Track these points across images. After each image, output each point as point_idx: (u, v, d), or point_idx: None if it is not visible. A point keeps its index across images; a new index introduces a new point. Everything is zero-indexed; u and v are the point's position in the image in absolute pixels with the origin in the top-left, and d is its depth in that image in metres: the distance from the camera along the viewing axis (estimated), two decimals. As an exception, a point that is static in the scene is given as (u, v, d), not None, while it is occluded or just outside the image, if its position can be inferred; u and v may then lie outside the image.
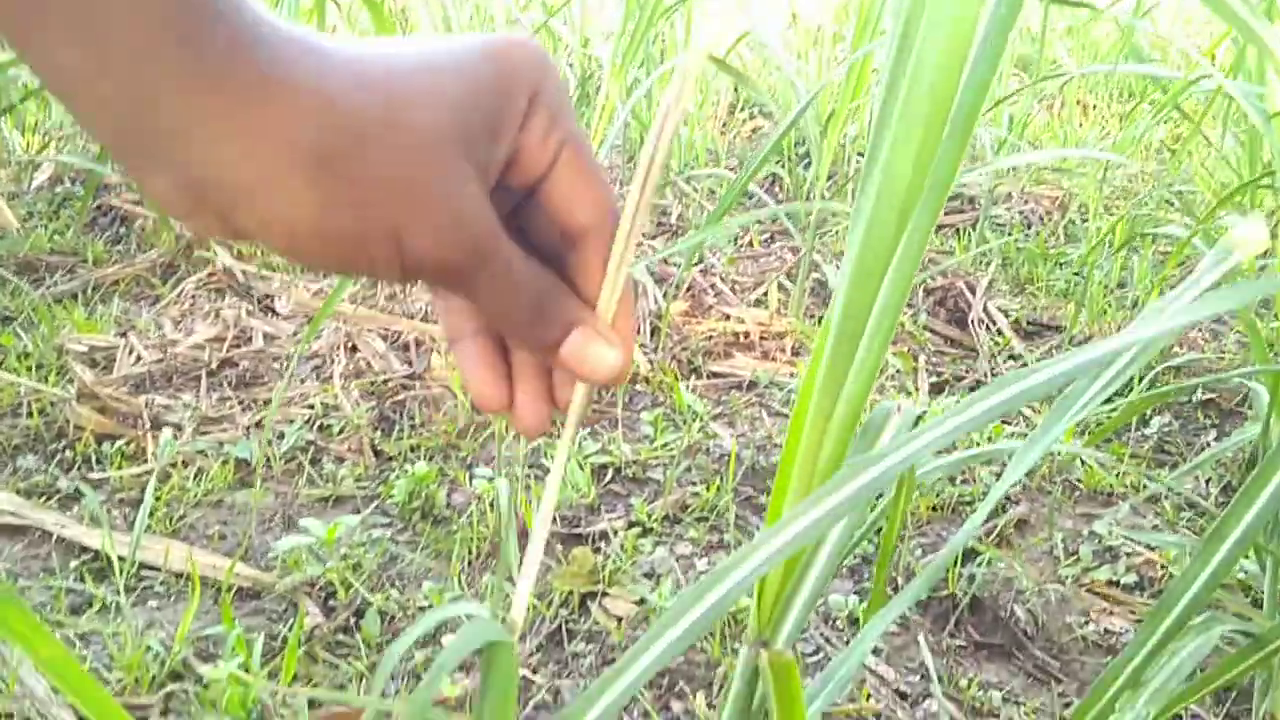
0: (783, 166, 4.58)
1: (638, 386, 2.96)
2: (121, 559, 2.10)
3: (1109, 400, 2.84)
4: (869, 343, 0.89)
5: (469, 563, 2.21)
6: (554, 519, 2.36)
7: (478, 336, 0.62)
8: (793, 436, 0.96)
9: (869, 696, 1.79)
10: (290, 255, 0.52)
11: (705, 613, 0.77)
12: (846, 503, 0.76)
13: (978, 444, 2.67)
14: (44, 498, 2.33)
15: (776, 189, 4.64)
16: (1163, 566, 2.20)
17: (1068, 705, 1.84)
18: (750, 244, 4.04)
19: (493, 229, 0.55)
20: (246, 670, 1.74)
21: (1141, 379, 3.01)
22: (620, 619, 2.01)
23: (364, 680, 1.86)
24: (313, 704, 1.77)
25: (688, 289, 3.46)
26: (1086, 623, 2.06)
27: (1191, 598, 1.27)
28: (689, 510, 2.41)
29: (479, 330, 0.62)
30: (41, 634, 0.62)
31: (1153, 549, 2.24)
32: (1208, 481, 2.60)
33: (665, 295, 3.33)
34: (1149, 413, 2.93)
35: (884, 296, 0.88)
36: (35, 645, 0.62)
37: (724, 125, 5.44)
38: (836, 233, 4.09)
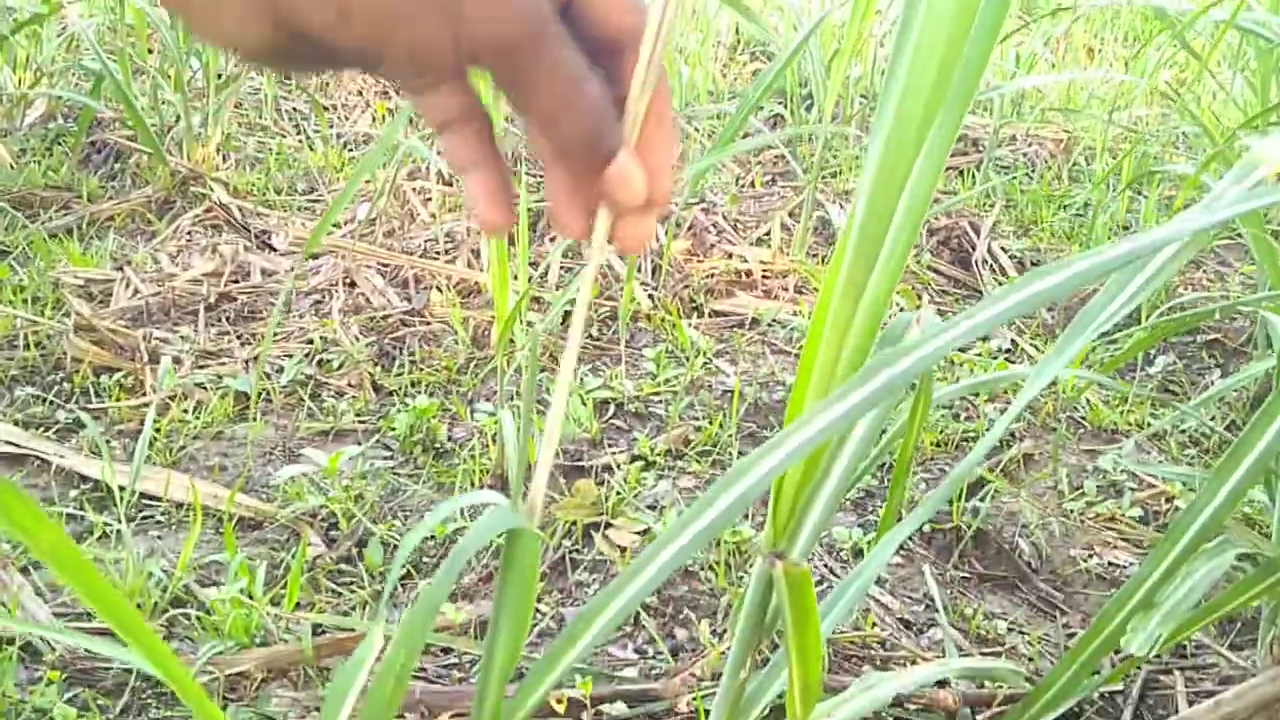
0: (786, 108, 4.53)
1: (639, 324, 2.94)
2: (121, 489, 2.09)
3: (1113, 340, 2.81)
4: (893, 242, 0.86)
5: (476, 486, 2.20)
6: (556, 452, 2.35)
7: (487, 164, 0.59)
8: (811, 344, 0.94)
9: (873, 624, 1.79)
10: (338, 33, 0.49)
11: (730, 505, 0.75)
12: (873, 397, 0.73)
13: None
14: (41, 428, 2.31)
15: (779, 130, 4.59)
16: (1168, 500, 2.19)
17: (1071, 636, 1.84)
18: (752, 184, 4.00)
19: (548, 6, 0.53)
20: (249, 596, 1.73)
21: (1145, 319, 2.99)
22: (624, 549, 2.00)
23: (367, 608, 1.85)
24: (316, 630, 1.77)
25: (689, 228, 3.42)
26: (1090, 556, 2.06)
27: (1206, 521, 1.26)
28: (692, 445, 2.40)
29: (489, 156, 0.59)
30: (43, 522, 0.60)
31: (1163, 481, 2.23)
32: (1212, 419, 2.59)
33: (667, 233, 3.30)
34: (1153, 352, 2.92)
35: (909, 193, 0.86)
36: (36, 533, 0.59)
37: (724, 67, 5.36)
38: (839, 173, 4.04)
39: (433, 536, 2.04)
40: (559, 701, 1.51)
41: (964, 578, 1.99)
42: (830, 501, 0.97)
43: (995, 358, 2.82)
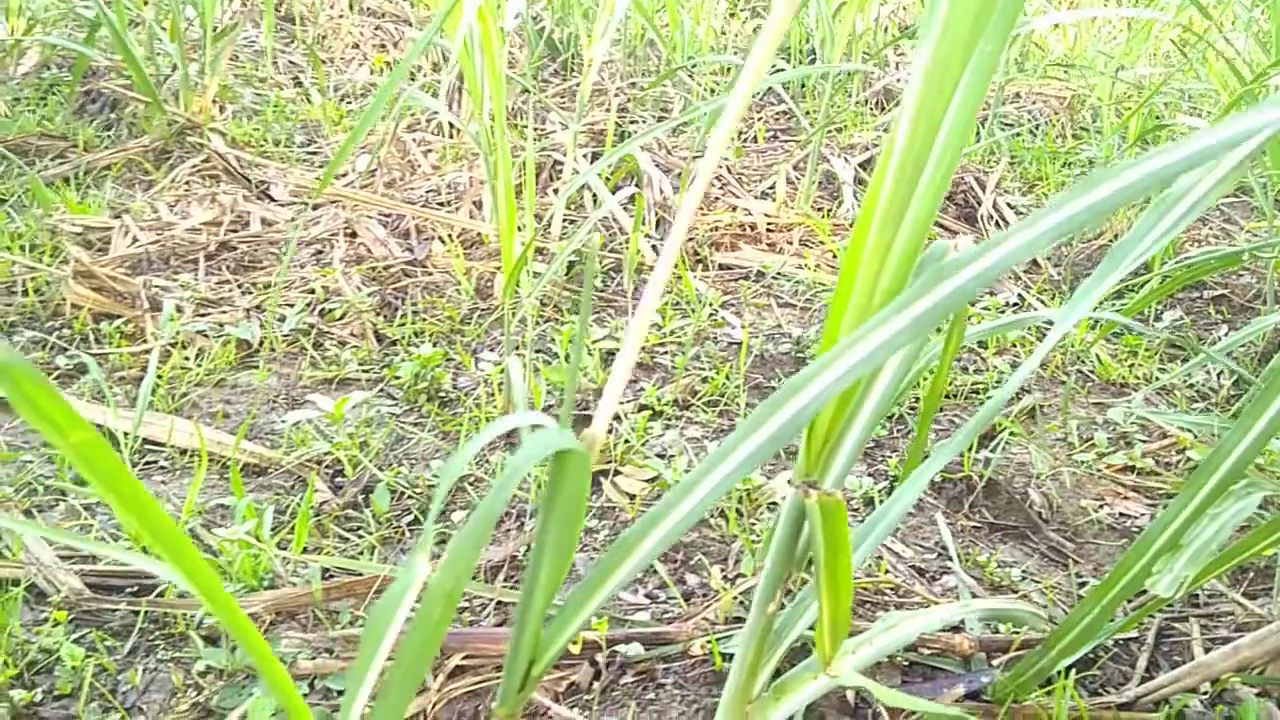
0: (789, 62, 4.48)
1: (644, 276, 2.91)
2: (125, 434, 2.06)
3: (1120, 295, 2.79)
4: (936, 164, 0.84)
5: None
6: (558, 399, 2.33)
7: None
8: (846, 274, 0.91)
9: (886, 571, 1.78)
10: None
11: (775, 433, 0.73)
12: (925, 317, 0.71)
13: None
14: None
15: (784, 88, 4.54)
16: (1179, 451, 2.18)
17: (1084, 585, 1.83)
18: (755, 139, 3.96)
19: None
20: (257, 539, 1.71)
21: (1151, 278, 2.97)
22: (633, 496, 1.98)
23: (375, 553, 1.84)
24: (325, 575, 1.75)
25: (693, 181, 3.37)
26: (1101, 506, 2.05)
27: (1232, 464, 1.24)
28: (699, 396, 2.38)
29: None
30: (74, 419, 0.57)
31: (1175, 432, 2.21)
32: (1219, 374, 2.57)
33: (680, 188, 3.26)
34: (1160, 307, 2.90)
35: (954, 111, 0.83)
36: (66, 430, 0.57)
37: (725, 21, 5.30)
38: (843, 128, 4.00)
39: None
40: (574, 642, 1.50)
41: (975, 527, 1.98)
42: (865, 430, 0.95)
43: (1003, 312, 2.81)
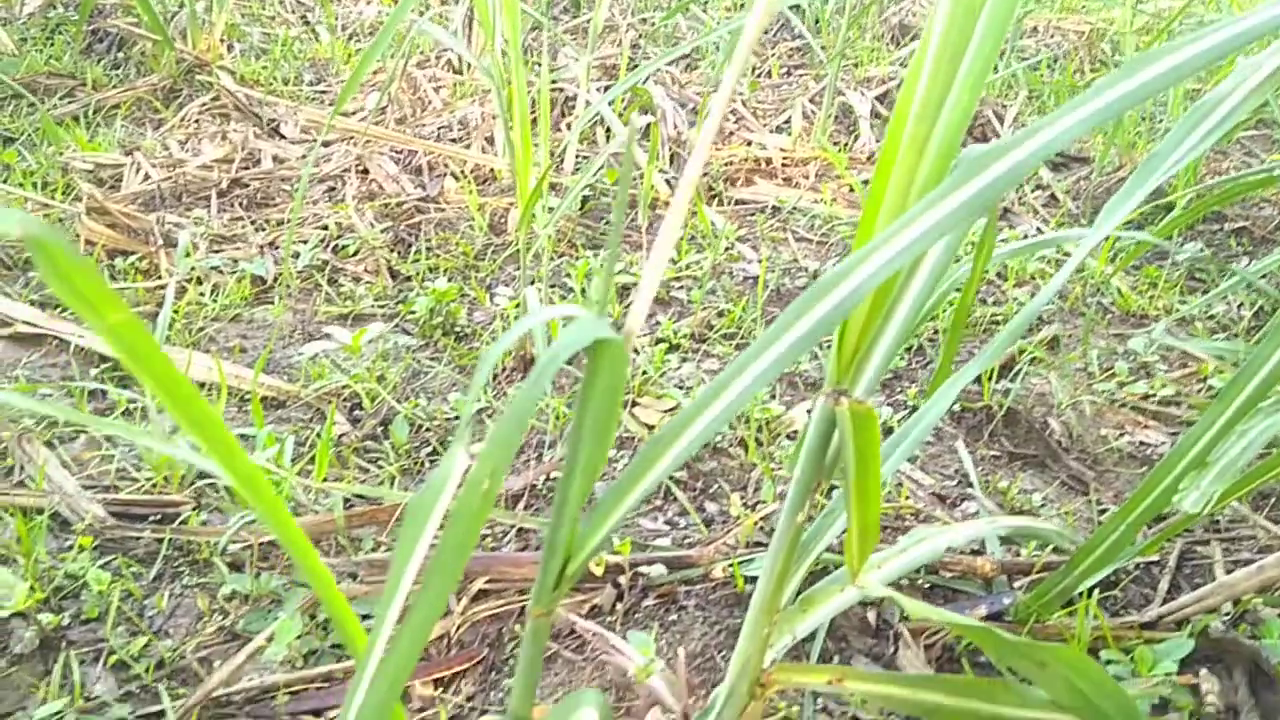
0: (803, -3, 4.40)
1: (658, 211, 2.88)
2: (142, 367, 2.06)
3: (1140, 228, 2.76)
4: (978, 48, 0.82)
5: (494, 376, 2.17)
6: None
7: None
8: (881, 171, 0.89)
9: (907, 497, 1.77)
10: None
11: (814, 325, 0.71)
12: (968, 204, 0.70)
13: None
14: (58, 309, 2.28)
15: (799, 19, 4.47)
16: (1201, 380, 2.17)
17: (1103, 512, 1.83)
18: (769, 74, 3.90)
19: None
20: (278, 466, 1.72)
21: (1171, 207, 2.94)
22: (651, 426, 1.98)
23: (395, 483, 1.84)
24: (346, 504, 1.75)
25: (708, 114, 3.34)
26: (1121, 435, 2.04)
27: (1261, 380, 1.23)
28: (715, 329, 2.37)
29: None
30: (111, 299, 0.56)
31: (1203, 355, 2.19)
32: (1240, 306, 2.55)
33: (697, 123, 3.23)
34: (1180, 240, 2.87)
35: None
36: (102, 309, 0.56)
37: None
38: (860, 63, 3.94)
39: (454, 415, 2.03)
40: (597, 563, 1.50)
41: (994, 456, 1.98)
42: (897, 337, 0.94)
43: (1015, 256, 2.78)
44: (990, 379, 2.14)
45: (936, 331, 2.35)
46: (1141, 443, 2.03)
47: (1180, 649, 1.37)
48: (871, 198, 0.89)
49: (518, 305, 2.35)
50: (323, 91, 3.65)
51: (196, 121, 3.25)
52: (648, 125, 2.99)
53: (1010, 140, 0.69)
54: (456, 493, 0.66)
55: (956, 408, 2.07)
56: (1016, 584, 1.59)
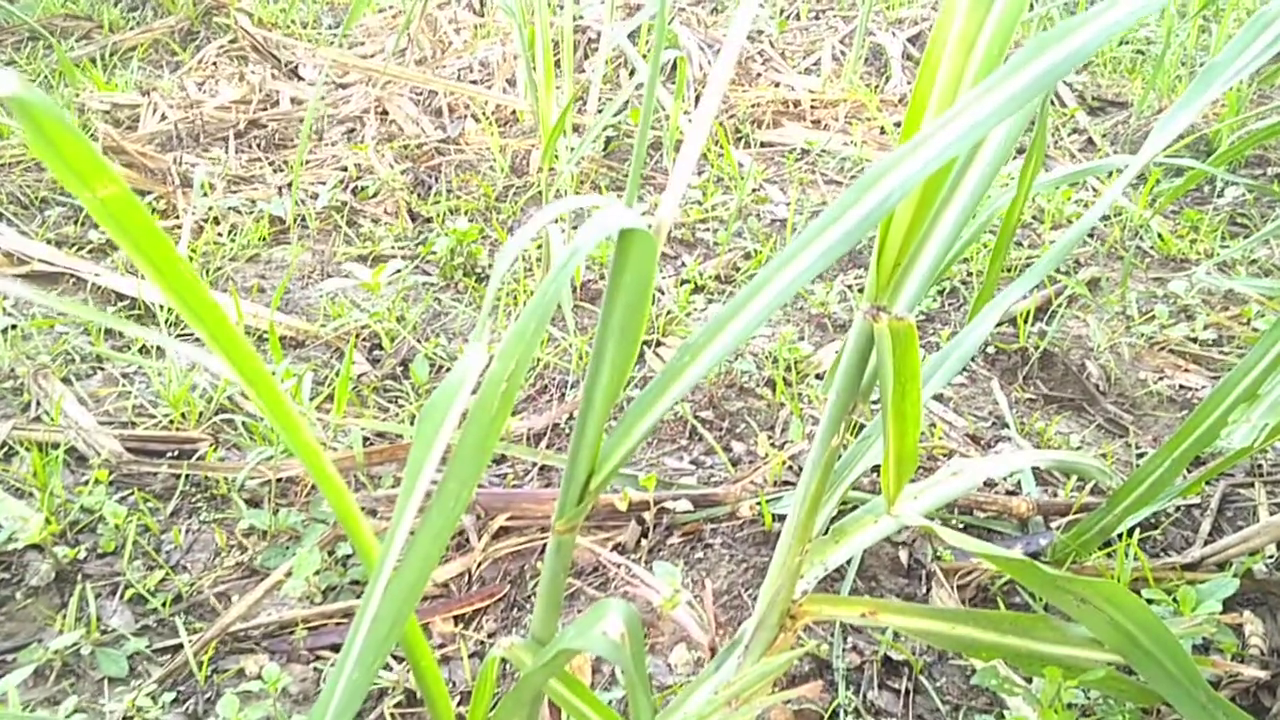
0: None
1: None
2: (161, 307, 2.03)
3: (1180, 174, 2.68)
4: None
5: (515, 317, 2.13)
6: (598, 276, 2.27)
7: None
8: (926, 72, 0.84)
9: (941, 438, 1.73)
10: None
11: (860, 220, 0.66)
12: (1032, 85, 0.64)
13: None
14: (75, 248, 2.25)
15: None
16: (1245, 323, 2.10)
17: (1141, 456, 1.78)
18: (798, 15, 3.81)
19: None
20: (296, 401, 1.68)
21: (1210, 151, 2.86)
22: (677, 367, 1.93)
23: (415, 422, 1.80)
24: (365, 442, 1.72)
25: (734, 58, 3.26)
26: (1161, 379, 1.98)
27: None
28: (741, 271, 2.31)
29: None
30: (102, 169, 0.52)
31: (1246, 294, 2.13)
32: (1283, 250, 2.47)
33: (713, 62, 3.15)
34: (1222, 184, 2.78)
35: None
36: (91, 181, 0.52)
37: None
38: (891, 6, 3.85)
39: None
40: (621, 499, 1.46)
41: (1030, 399, 1.92)
42: (942, 248, 0.89)
43: (1058, 188, 2.70)
44: (1026, 321, 2.08)
45: (970, 274, 2.29)
46: (1182, 386, 1.97)
47: (1224, 588, 1.32)
48: (916, 98, 0.83)
49: (540, 246, 2.30)
50: (343, 36, 3.59)
51: (214, 63, 3.20)
52: (674, 65, 2.93)
53: (1073, 21, 0.64)
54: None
55: (991, 350, 2.02)
56: (1054, 525, 1.54)
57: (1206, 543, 1.51)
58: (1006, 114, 0.66)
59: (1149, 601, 1.32)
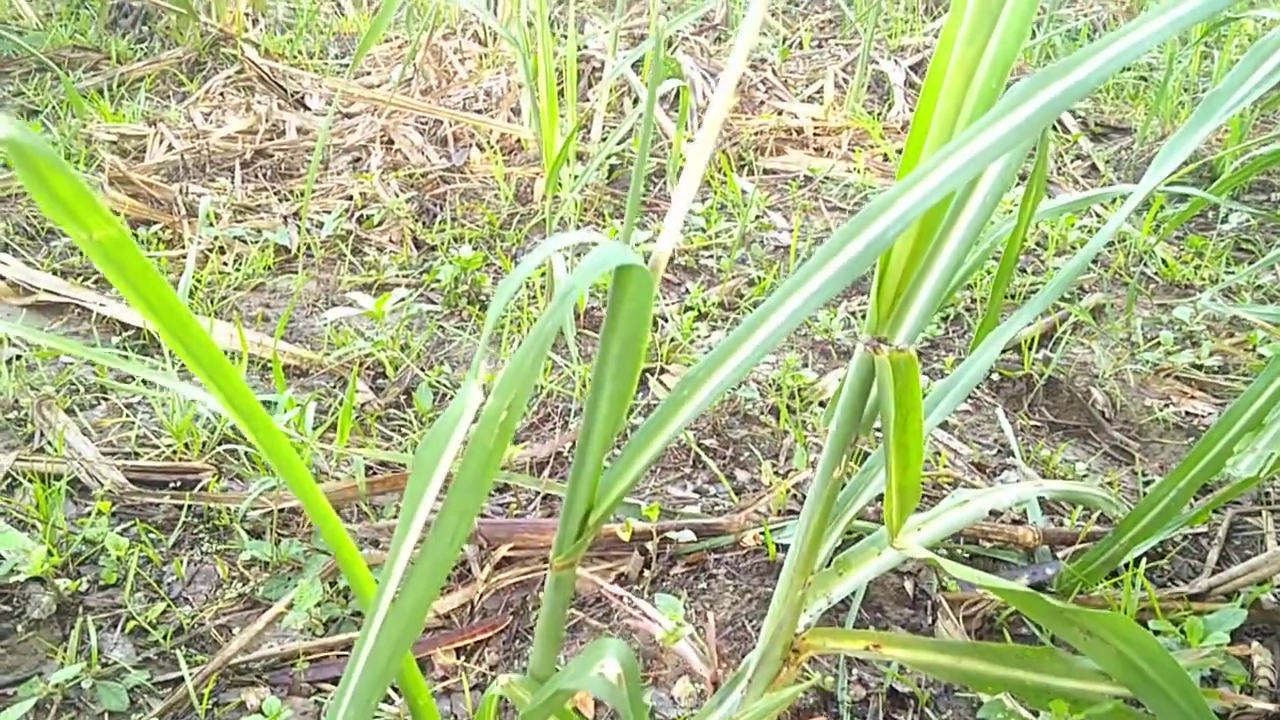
0: (834, -33, 4.33)
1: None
2: (164, 335, 2.04)
3: (1184, 199, 2.68)
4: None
5: (519, 344, 2.13)
6: (601, 303, 2.28)
7: None
8: (927, 98, 0.84)
9: (945, 466, 1.72)
10: None
11: (858, 254, 0.66)
12: (1034, 119, 0.64)
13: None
14: (80, 278, 2.25)
15: (826, -7, 4.40)
16: (1250, 349, 2.09)
17: (1148, 484, 1.76)
18: (801, 44, 3.83)
19: None
20: (299, 432, 1.68)
21: (1215, 178, 2.86)
22: (681, 395, 1.93)
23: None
24: (368, 471, 1.72)
25: (736, 85, 3.28)
26: (1166, 405, 1.97)
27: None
28: (745, 298, 2.31)
29: None
30: (98, 212, 0.52)
31: (1252, 320, 2.12)
32: (1289, 276, 2.47)
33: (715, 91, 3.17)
34: (1225, 210, 2.78)
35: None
36: (88, 222, 0.52)
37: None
38: (894, 34, 3.87)
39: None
40: (624, 530, 1.46)
41: (1035, 426, 1.92)
42: (940, 282, 0.89)
43: (1061, 215, 2.71)
44: (1030, 348, 2.08)
45: (973, 301, 2.29)
46: (1188, 413, 1.96)
47: (1232, 619, 1.31)
48: (915, 128, 0.83)
49: (543, 274, 2.31)
50: (348, 65, 3.62)
51: (221, 94, 3.22)
52: (677, 93, 2.94)
53: (1087, 50, 0.63)
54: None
55: (995, 376, 2.01)
56: (1060, 554, 1.53)
57: (1214, 572, 1.50)
58: (1006, 148, 0.66)
59: (1156, 633, 1.31)
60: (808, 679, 1.24)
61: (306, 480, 0.66)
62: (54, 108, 3.04)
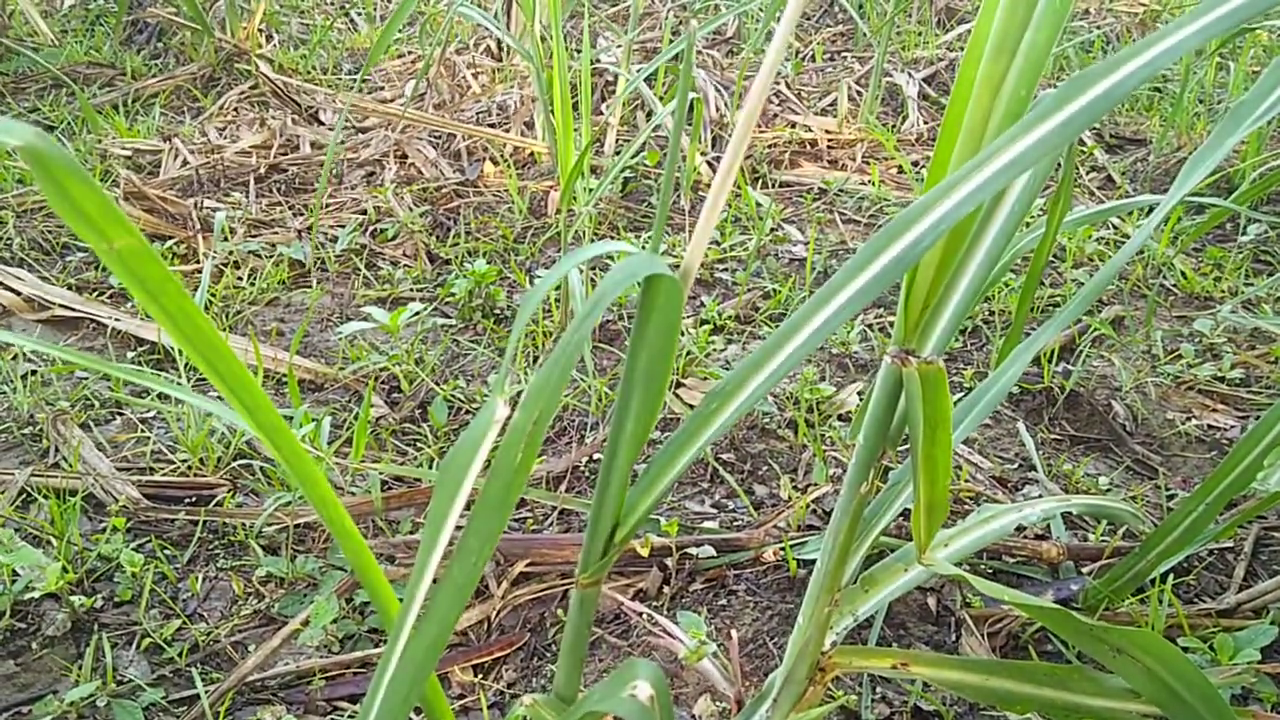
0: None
1: (700, 193, 2.82)
2: (180, 351, 2.03)
3: (1201, 210, 2.65)
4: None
5: (534, 358, 2.12)
6: (622, 316, 2.26)
7: None
8: (952, 114, 0.83)
9: (966, 480, 1.70)
10: None
11: (888, 264, 0.65)
12: (1066, 127, 0.63)
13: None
14: (95, 293, 2.25)
15: (837, 8, 4.39)
16: (1272, 361, 2.07)
17: (1172, 498, 1.74)
18: (813, 58, 3.82)
19: None
20: (314, 447, 1.67)
21: (1234, 190, 2.84)
22: (694, 407, 1.91)
23: (434, 465, 1.79)
24: (384, 486, 1.71)
25: (753, 100, 3.27)
26: (1189, 419, 1.95)
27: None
28: (760, 311, 2.30)
29: None
30: (119, 221, 0.51)
31: (1274, 331, 2.10)
32: (1310, 287, 2.44)
33: (731, 103, 3.16)
34: (1244, 221, 2.76)
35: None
36: (108, 231, 0.51)
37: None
38: (905, 46, 3.86)
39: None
40: (643, 545, 1.44)
41: (1056, 440, 1.90)
42: (970, 291, 0.87)
43: (1081, 226, 2.68)
44: (1050, 360, 2.06)
45: (992, 313, 2.27)
46: (1210, 426, 1.94)
47: (1263, 636, 1.29)
48: (942, 141, 0.82)
49: (559, 287, 2.30)
50: (362, 80, 3.62)
51: (235, 109, 3.23)
52: (690, 105, 2.93)
53: (1122, 55, 0.62)
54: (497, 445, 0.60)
55: (1016, 390, 1.99)
56: (1085, 569, 1.51)
57: (1241, 588, 1.48)
58: (1037, 159, 0.64)
59: (1185, 650, 1.29)
60: (833, 698, 1.22)
61: (330, 497, 0.64)
62: (69, 123, 3.05)
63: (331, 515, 0.66)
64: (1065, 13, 0.78)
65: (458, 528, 0.60)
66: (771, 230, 2.62)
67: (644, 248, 2.29)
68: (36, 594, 1.42)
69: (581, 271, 2.15)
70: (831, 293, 0.67)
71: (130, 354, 2.06)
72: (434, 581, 0.60)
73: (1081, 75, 0.65)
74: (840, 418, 1.89)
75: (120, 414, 1.88)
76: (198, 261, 2.41)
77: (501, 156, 2.93)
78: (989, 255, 0.90)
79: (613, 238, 2.61)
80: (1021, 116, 0.80)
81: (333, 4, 4.49)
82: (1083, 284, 2.36)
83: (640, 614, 1.29)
